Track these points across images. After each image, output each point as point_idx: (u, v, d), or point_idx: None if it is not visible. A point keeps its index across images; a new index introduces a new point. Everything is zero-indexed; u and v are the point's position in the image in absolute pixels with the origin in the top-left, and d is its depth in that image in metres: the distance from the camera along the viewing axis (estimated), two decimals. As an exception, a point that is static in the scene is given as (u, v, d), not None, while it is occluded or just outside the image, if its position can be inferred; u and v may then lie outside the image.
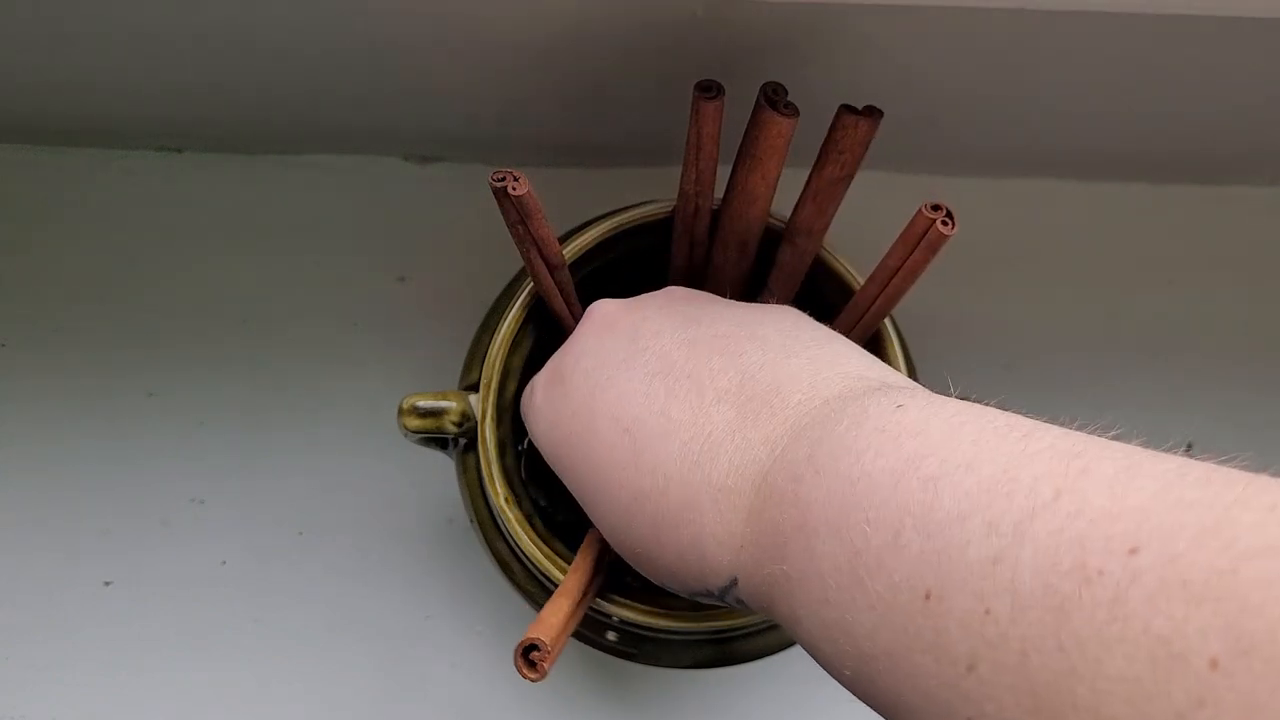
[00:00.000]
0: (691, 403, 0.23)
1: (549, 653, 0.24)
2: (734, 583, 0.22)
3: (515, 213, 0.27)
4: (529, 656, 0.24)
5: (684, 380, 0.24)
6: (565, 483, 0.27)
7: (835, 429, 0.20)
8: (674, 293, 0.29)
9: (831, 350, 0.24)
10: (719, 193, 0.31)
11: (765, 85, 0.28)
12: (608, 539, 0.25)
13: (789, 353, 0.23)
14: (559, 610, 0.26)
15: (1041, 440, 0.17)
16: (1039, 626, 0.14)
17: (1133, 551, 0.14)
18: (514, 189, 0.26)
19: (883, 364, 0.24)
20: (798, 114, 0.28)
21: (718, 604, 0.24)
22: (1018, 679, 0.14)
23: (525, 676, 0.24)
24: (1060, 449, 0.16)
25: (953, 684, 0.15)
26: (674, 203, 0.32)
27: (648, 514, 0.23)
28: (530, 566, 0.32)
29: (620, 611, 0.29)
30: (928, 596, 0.16)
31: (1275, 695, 0.11)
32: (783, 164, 0.29)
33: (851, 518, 0.18)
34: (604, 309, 0.28)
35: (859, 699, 0.19)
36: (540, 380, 0.28)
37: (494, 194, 0.26)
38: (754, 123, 0.29)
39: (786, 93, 0.28)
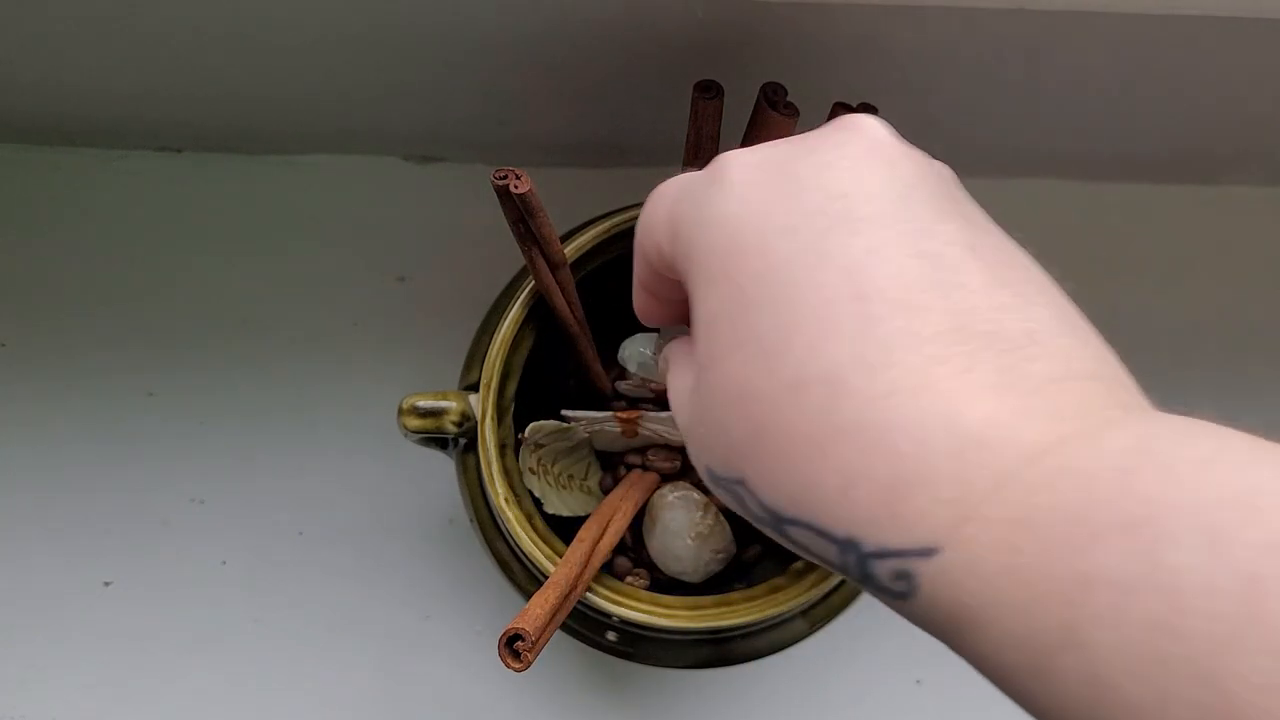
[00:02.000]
0: (957, 320, 0.17)
1: (532, 643, 0.24)
2: (925, 553, 0.16)
3: (517, 211, 0.27)
4: (513, 646, 0.24)
5: (956, 289, 0.17)
6: (703, 307, 0.20)
7: (1159, 429, 0.15)
8: (949, 171, 0.22)
9: (1105, 348, 0.19)
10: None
11: (765, 85, 0.28)
12: (725, 400, 0.19)
13: (1074, 331, 0.18)
14: (545, 602, 0.26)
15: None
16: None
17: None
18: (516, 187, 0.26)
19: None
20: (798, 114, 0.28)
21: (826, 567, 0.19)
22: None
23: (509, 666, 0.24)
24: None
25: None
26: None
27: (832, 412, 0.17)
28: (530, 566, 0.32)
29: (620, 611, 0.29)
30: None
31: None
32: None
33: (1232, 528, 0.13)
34: (878, 131, 0.20)
35: None
36: (749, 159, 0.20)
37: (496, 192, 0.26)
38: (754, 123, 0.29)
39: (786, 93, 0.28)
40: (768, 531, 0.19)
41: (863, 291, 0.17)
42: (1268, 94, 0.38)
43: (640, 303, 0.24)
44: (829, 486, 0.17)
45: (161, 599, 0.41)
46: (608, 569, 0.34)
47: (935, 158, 0.22)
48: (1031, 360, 0.17)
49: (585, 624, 0.33)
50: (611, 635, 0.32)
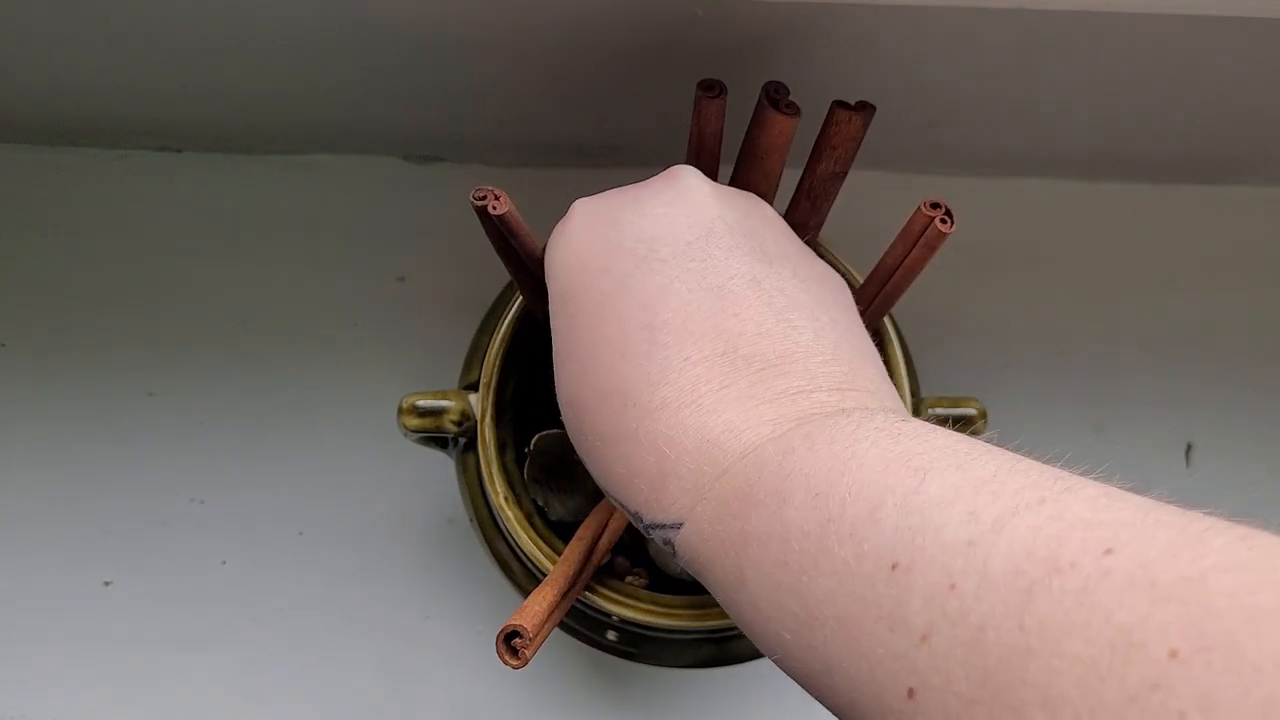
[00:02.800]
0: (724, 345, 0.22)
1: (530, 640, 0.24)
2: (675, 527, 0.21)
3: (497, 231, 0.27)
4: (511, 643, 0.24)
5: (730, 318, 0.22)
6: (553, 323, 0.25)
7: (840, 421, 0.20)
8: (762, 209, 0.26)
9: (871, 367, 0.23)
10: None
11: (767, 85, 0.28)
12: (562, 401, 0.24)
13: (837, 352, 0.22)
14: (543, 599, 0.26)
15: (1031, 464, 0.17)
16: (1002, 606, 0.15)
17: (1107, 552, 0.14)
18: (495, 208, 0.26)
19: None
20: (799, 113, 0.28)
21: (639, 531, 0.23)
22: (971, 653, 0.15)
23: (507, 663, 0.24)
24: (1048, 472, 0.17)
25: (902, 653, 0.16)
26: None
27: (622, 418, 0.22)
28: (530, 566, 0.32)
29: (620, 611, 0.29)
30: (894, 567, 0.16)
31: (1229, 689, 0.12)
32: (784, 162, 0.29)
33: (833, 488, 0.18)
34: (689, 180, 0.25)
35: (781, 665, 0.19)
36: (588, 208, 0.25)
37: (476, 213, 0.26)
38: (756, 122, 0.29)
39: (788, 92, 0.28)
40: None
41: (653, 321, 0.22)
42: (1268, 94, 0.38)
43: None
44: (620, 476, 0.22)
45: (161, 599, 0.41)
46: (608, 569, 0.34)
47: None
48: (779, 377, 0.21)
49: (585, 624, 0.33)
50: (612, 635, 0.32)
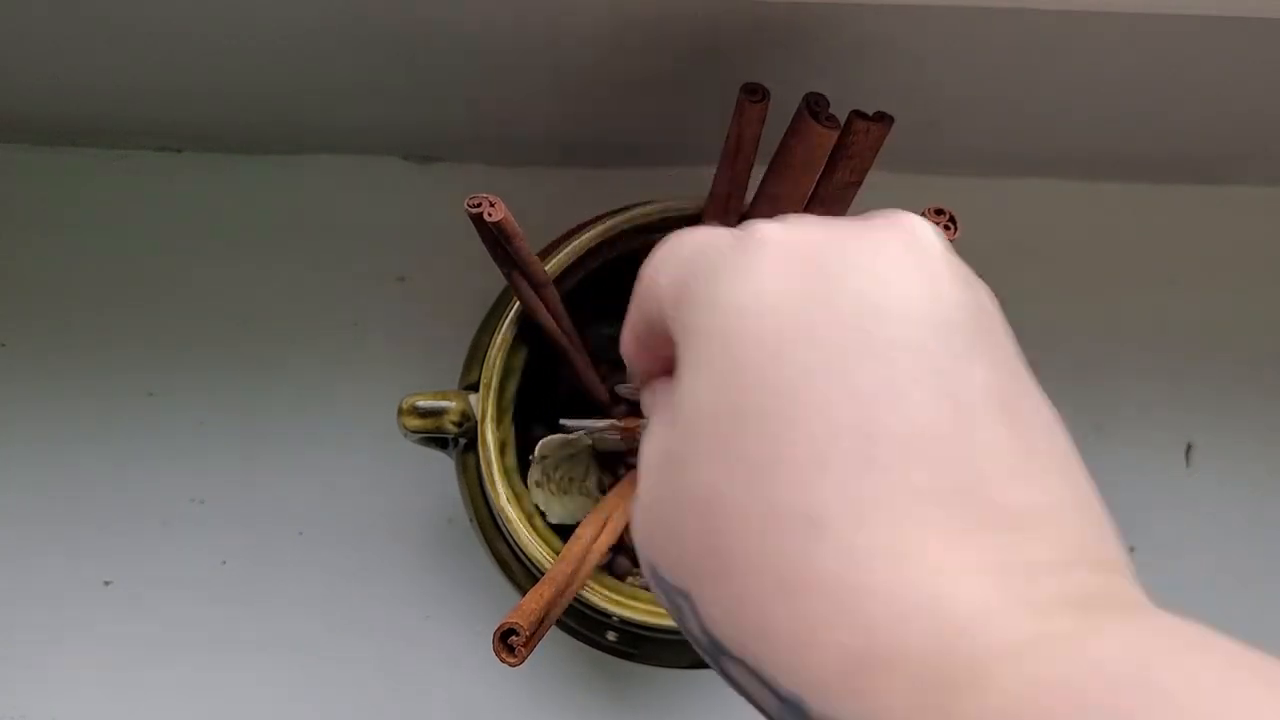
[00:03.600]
0: (964, 481, 0.15)
1: (526, 638, 0.24)
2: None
3: (493, 236, 0.27)
4: (507, 641, 0.24)
5: (972, 447, 0.16)
6: (690, 382, 0.17)
7: (1142, 626, 0.14)
8: (991, 297, 0.18)
9: (1108, 521, 0.17)
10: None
11: (808, 96, 0.28)
12: (679, 499, 0.17)
13: (1088, 507, 0.16)
14: (540, 597, 0.26)
15: None
16: None
17: None
18: (490, 215, 0.26)
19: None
20: (839, 126, 0.28)
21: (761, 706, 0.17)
22: None
23: (503, 660, 0.24)
24: None
25: None
26: (688, 203, 0.32)
27: (806, 556, 0.15)
28: (530, 566, 0.32)
29: (620, 611, 0.30)
30: None
31: None
32: (817, 175, 0.29)
33: None
34: (927, 237, 0.17)
35: None
36: (785, 240, 0.18)
37: (471, 220, 0.26)
38: (793, 131, 0.29)
39: (829, 104, 0.28)
40: (703, 655, 0.18)
41: (871, 430, 0.15)
42: (1267, 94, 0.38)
43: (627, 346, 0.22)
44: (786, 636, 0.15)
45: (161, 599, 0.41)
46: (608, 569, 0.34)
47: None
48: (1033, 542, 0.15)
49: (585, 624, 0.33)
50: (612, 635, 0.32)
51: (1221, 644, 0.13)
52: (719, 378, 0.17)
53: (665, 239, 0.20)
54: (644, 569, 0.19)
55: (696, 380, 0.17)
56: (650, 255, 0.20)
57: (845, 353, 0.16)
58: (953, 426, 0.16)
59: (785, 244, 0.17)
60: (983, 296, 0.18)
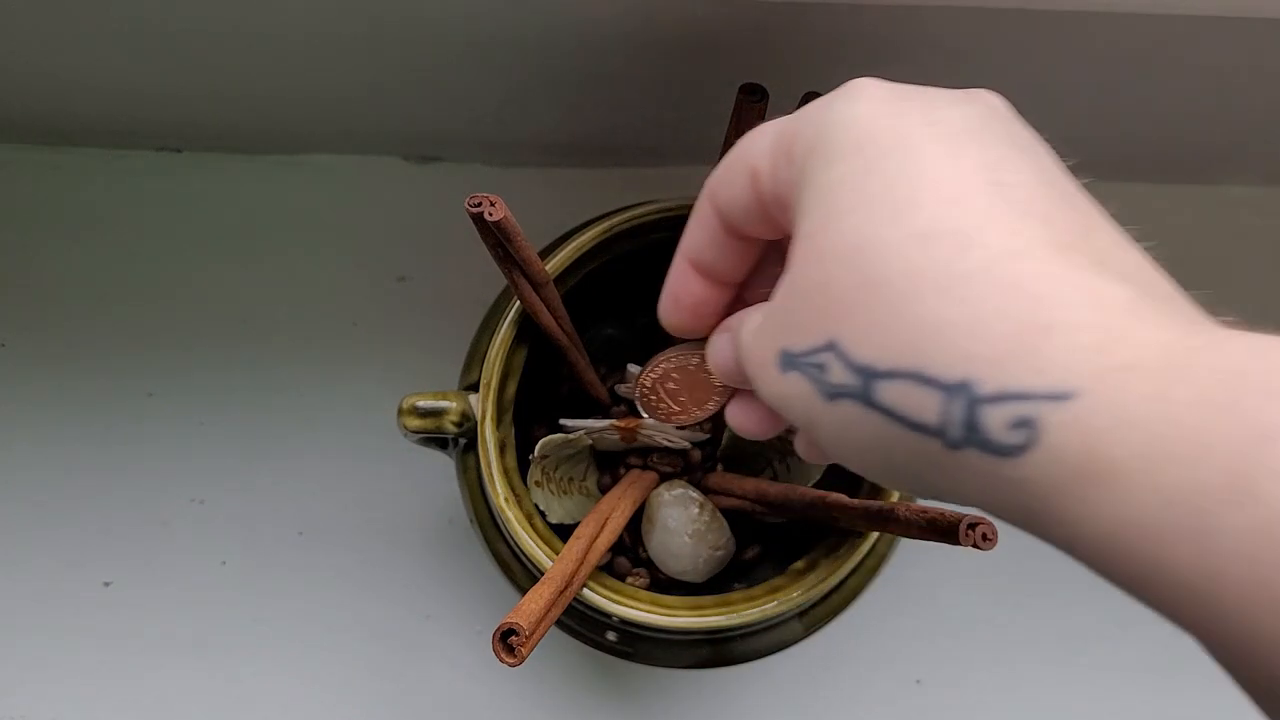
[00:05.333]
0: (1085, 225, 0.18)
1: (526, 638, 0.24)
2: (1059, 398, 0.15)
3: (494, 236, 0.27)
4: (507, 641, 0.24)
5: (1074, 208, 0.19)
6: (823, 178, 0.19)
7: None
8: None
9: None
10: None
11: (807, 95, 0.28)
12: (833, 254, 0.18)
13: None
14: (540, 597, 0.26)
15: None
16: None
17: None
18: (491, 214, 0.26)
19: None
20: None
21: (907, 440, 0.17)
22: None
23: (503, 661, 0.24)
24: None
25: None
26: (688, 203, 0.32)
27: (962, 259, 0.16)
28: (530, 567, 0.32)
29: (619, 611, 0.30)
30: None
31: None
32: None
33: None
34: (1003, 107, 0.21)
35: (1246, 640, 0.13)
36: (880, 82, 0.20)
37: (472, 219, 0.26)
38: None
39: None
40: (839, 409, 0.18)
41: (999, 179, 0.17)
42: (1267, 94, 0.38)
43: (680, 287, 0.24)
44: (948, 329, 0.16)
45: (161, 599, 0.41)
46: (608, 569, 0.34)
47: None
48: (1149, 283, 0.17)
49: (585, 624, 0.33)
50: (611, 635, 0.32)
51: None
52: (850, 156, 0.19)
53: (736, 146, 0.22)
54: (763, 368, 0.20)
55: (827, 171, 0.19)
56: (723, 162, 0.22)
57: (958, 135, 0.18)
58: (1064, 196, 0.18)
59: (878, 83, 0.20)
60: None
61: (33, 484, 0.42)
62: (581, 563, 0.28)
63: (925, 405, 0.16)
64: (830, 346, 0.18)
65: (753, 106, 0.28)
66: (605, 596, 0.30)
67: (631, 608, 0.30)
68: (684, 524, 0.33)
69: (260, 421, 0.43)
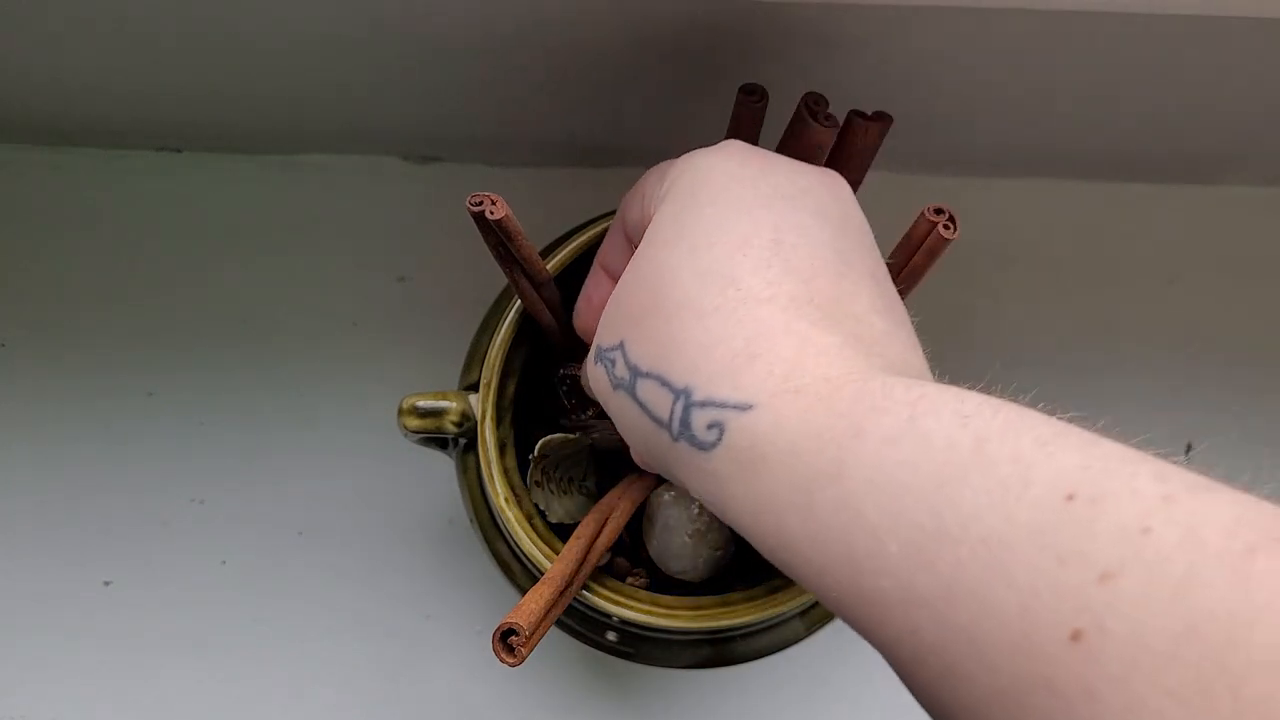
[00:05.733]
0: (840, 296, 0.22)
1: (526, 638, 0.24)
2: (741, 408, 0.20)
3: (495, 235, 0.27)
4: (507, 641, 0.24)
5: (849, 283, 0.22)
6: (662, 209, 0.24)
7: (962, 391, 0.19)
8: (840, 187, 0.25)
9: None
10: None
11: (806, 96, 0.28)
12: (640, 274, 0.23)
13: (920, 356, 0.23)
14: (540, 597, 0.26)
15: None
16: (1216, 562, 0.13)
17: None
18: (492, 213, 0.26)
19: None
20: (838, 125, 0.28)
21: (645, 429, 0.22)
22: (1173, 604, 0.13)
23: (503, 660, 0.24)
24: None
25: (1073, 590, 0.14)
26: None
27: (721, 296, 0.21)
28: (531, 567, 0.32)
29: (620, 611, 0.30)
30: (1070, 498, 0.15)
31: None
32: None
33: (983, 413, 0.17)
34: (841, 181, 0.25)
35: (857, 591, 0.17)
36: (745, 145, 0.25)
37: (473, 218, 0.26)
38: (791, 133, 0.29)
39: (827, 104, 0.28)
40: (620, 399, 0.23)
41: (782, 242, 0.22)
42: (1267, 94, 0.38)
43: (594, 289, 0.28)
44: (690, 345, 0.21)
45: (161, 599, 0.41)
46: (608, 569, 0.34)
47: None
48: (881, 346, 0.21)
49: (585, 624, 0.33)
50: (611, 635, 0.32)
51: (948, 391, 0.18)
52: (685, 198, 0.24)
53: (650, 169, 0.27)
54: (588, 365, 0.25)
55: (671, 204, 0.24)
56: (639, 180, 0.27)
57: (774, 199, 0.23)
58: (841, 269, 0.22)
59: (745, 146, 0.25)
60: (868, 229, 0.25)
61: (33, 484, 0.42)
62: (581, 563, 0.28)
63: (662, 403, 0.21)
64: (620, 347, 0.23)
65: (752, 106, 0.28)
66: (605, 596, 0.30)
67: (631, 608, 0.30)
68: (684, 524, 0.33)
69: (260, 421, 0.43)
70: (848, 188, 0.25)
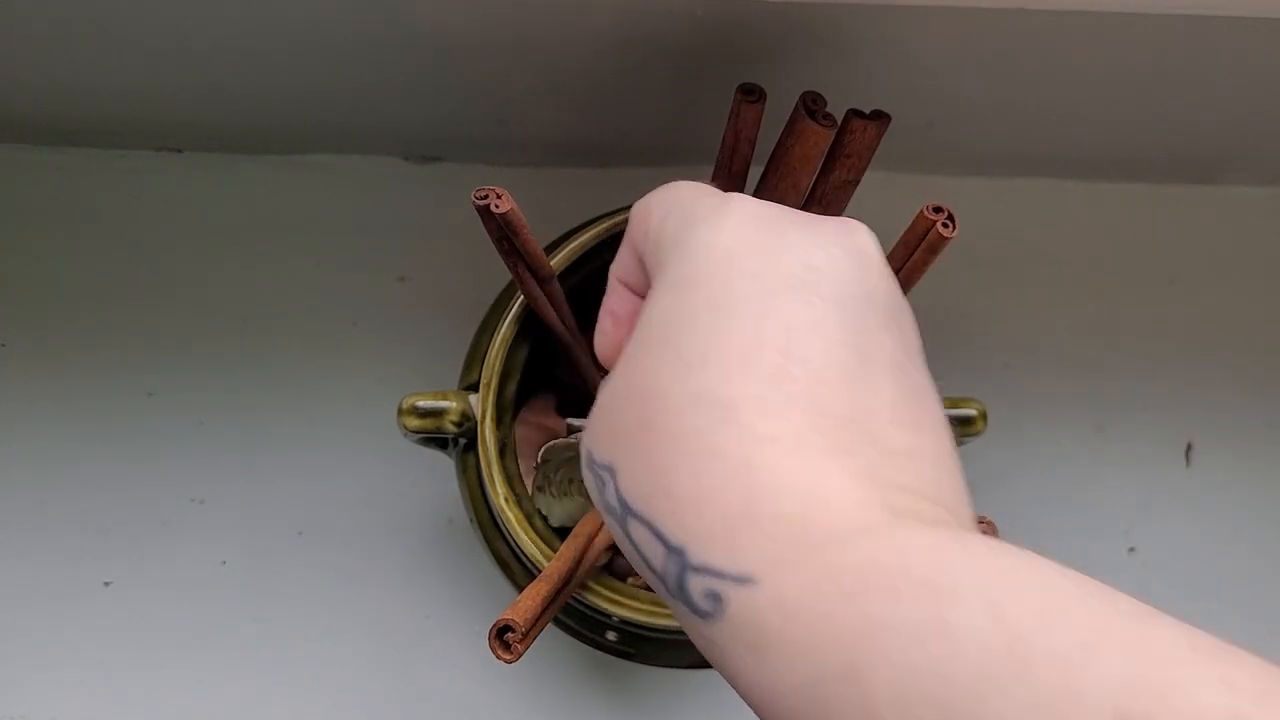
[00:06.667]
0: (856, 413, 0.19)
1: (522, 635, 0.24)
2: (741, 581, 0.17)
3: (500, 229, 0.27)
4: (503, 638, 0.24)
5: (868, 391, 0.19)
6: (654, 300, 0.21)
7: (979, 538, 0.17)
8: (905, 305, 0.22)
9: (965, 491, 0.21)
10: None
11: (804, 95, 0.28)
12: (628, 386, 0.20)
13: (951, 468, 0.20)
14: (536, 594, 0.26)
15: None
16: None
17: None
18: (498, 206, 0.26)
19: None
20: (836, 125, 0.28)
21: (644, 574, 0.20)
22: None
23: (499, 657, 0.24)
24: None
25: None
26: None
27: (714, 431, 0.18)
28: (531, 567, 0.32)
29: (620, 611, 0.30)
30: (1122, 715, 0.14)
31: None
32: (814, 174, 0.29)
33: (1018, 603, 0.15)
34: (867, 239, 0.22)
35: None
36: (753, 207, 0.22)
37: (478, 212, 0.26)
38: (790, 132, 0.29)
39: (826, 103, 0.28)
40: (612, 523, 0.20)
41: (791, 351, 0.19)
42: (1268, 94, 0.38)
43: (617, 268, 0.26)
44: (683, 494, 0.18)
45: (161, 599, 0.41)
46: (608, 569, 0.34)
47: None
48: (899, 471, 0.19)
49: (585, 624, 0.33)
50: (611, 635, 0.32)
51: (997, 552, 0.16)
52: (679, 291, 0.21)
53: (663, 186, 0.24)
54: (583, 458, 0.22)
55: (662, 294, 0.21)
56: (647, 195, 0.24)
57: (781, 292, 0.20)
58: (857, 371, 0.19)
59: (754, 210, 0.22)
60: (901, 298, 0.22)
61: (33, 484, 0.42)
62: (579, 561, 0.28)
63: (654, 553, 0.19)
64: (610, 469, 0.20)
65: (751, 106, 0.28)
66: (605, 596, 0.30)
67: (631, 608, 0.30)
68: (684, 524, 0.33)
69: (260, 421, 0.43)
70: (870, 240, 0.22)
